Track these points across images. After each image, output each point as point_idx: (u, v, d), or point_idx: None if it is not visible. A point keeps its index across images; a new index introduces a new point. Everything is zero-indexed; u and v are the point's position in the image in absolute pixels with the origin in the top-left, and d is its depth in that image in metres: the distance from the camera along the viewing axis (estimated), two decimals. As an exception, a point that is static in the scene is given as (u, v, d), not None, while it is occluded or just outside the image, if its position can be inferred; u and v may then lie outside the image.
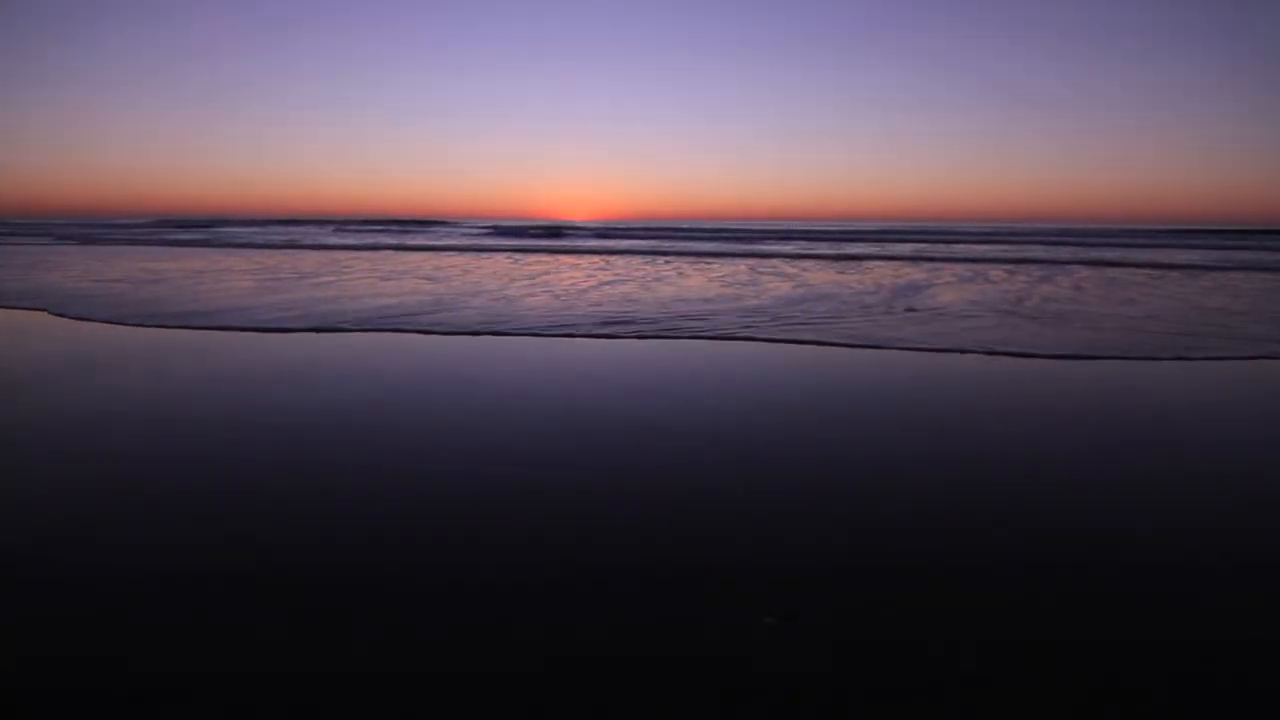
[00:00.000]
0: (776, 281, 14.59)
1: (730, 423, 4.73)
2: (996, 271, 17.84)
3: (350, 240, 35.88)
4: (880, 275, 16.55)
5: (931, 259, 22.95)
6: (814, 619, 2.50)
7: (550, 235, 40.50)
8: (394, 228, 57.87)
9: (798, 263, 20.73)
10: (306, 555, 2.88)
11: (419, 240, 36.75)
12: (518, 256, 23.34)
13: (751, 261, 21.18)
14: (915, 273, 17.23)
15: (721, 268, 18.45)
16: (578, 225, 63.19)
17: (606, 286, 13.20)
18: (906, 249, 28.85)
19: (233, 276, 15.24)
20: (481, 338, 8.00)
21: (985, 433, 4.65)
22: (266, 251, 25.60)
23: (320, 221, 75.36)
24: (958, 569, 2.87)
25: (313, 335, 8.07)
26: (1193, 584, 2.74)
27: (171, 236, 38.68)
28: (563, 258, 22.83)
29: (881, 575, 2.82)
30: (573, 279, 14.95)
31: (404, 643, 2.31)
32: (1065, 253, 26.74)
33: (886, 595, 2.67)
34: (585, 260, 21.54)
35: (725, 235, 40.19)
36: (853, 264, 20.52)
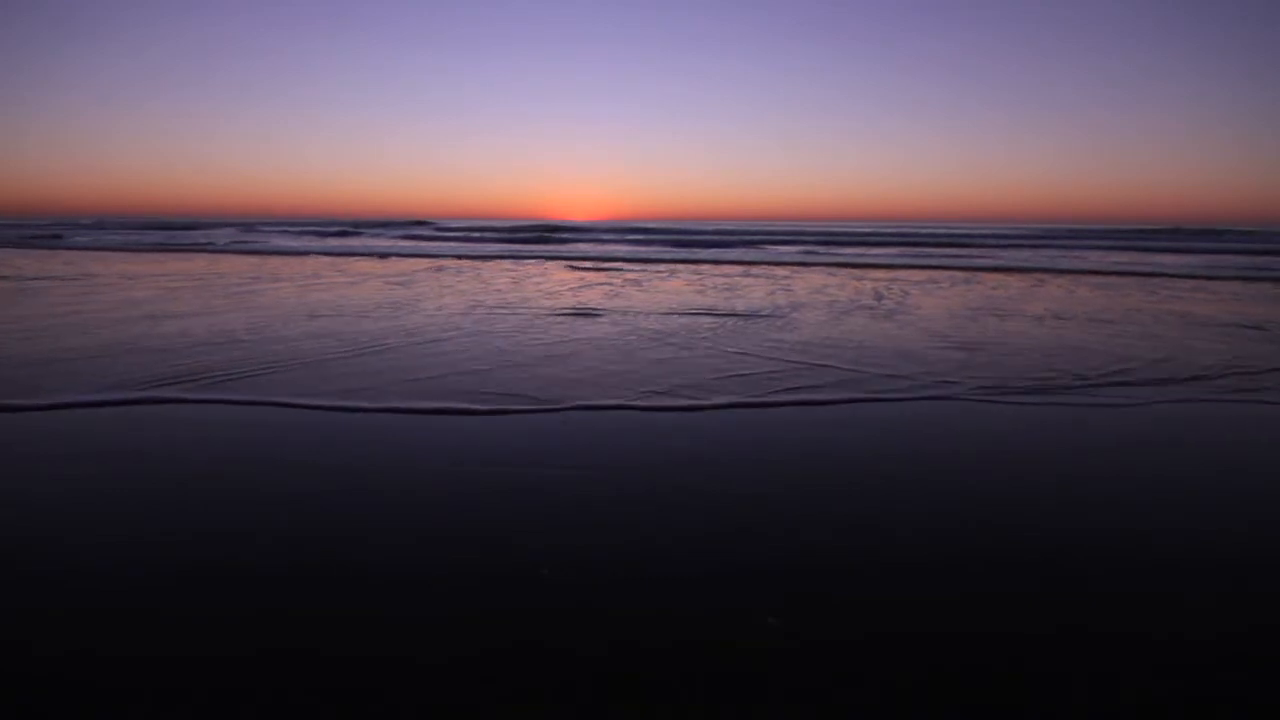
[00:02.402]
0: (761, 291, 14.38)
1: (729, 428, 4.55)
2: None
3: (285, 242, 34.11)
4: (864, 284, 16.35)
5: (930, 266, 22.73)
6: (815, 619, 2.57)
7: (540, 239, 40.24)
8: (332, 229, 55.05)
9: (795, 268, 20.55)
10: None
11: (378, 242, 35.27)
12: (465, 263, 23.06)
13: (752, 267, 21.00)
14: (911, 279, 17.03)
15: (713, 278, 18.26)
16: (572, 225, 62.91)
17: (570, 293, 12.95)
18: (896, 251, 28.64)
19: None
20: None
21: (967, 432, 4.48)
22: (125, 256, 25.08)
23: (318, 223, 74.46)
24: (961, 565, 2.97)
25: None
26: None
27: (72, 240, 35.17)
28: (528, 264, 22.55)
29: (882, 575, 2.91)
30: (541, 288, 14.68)
31: None
32: (1043, 256, 26.54)
33: (888, 596, 2.74)
34: (555, 268, 21.27)
35: (726, 239, 39.96)
36: (843, 270, 20.35)
